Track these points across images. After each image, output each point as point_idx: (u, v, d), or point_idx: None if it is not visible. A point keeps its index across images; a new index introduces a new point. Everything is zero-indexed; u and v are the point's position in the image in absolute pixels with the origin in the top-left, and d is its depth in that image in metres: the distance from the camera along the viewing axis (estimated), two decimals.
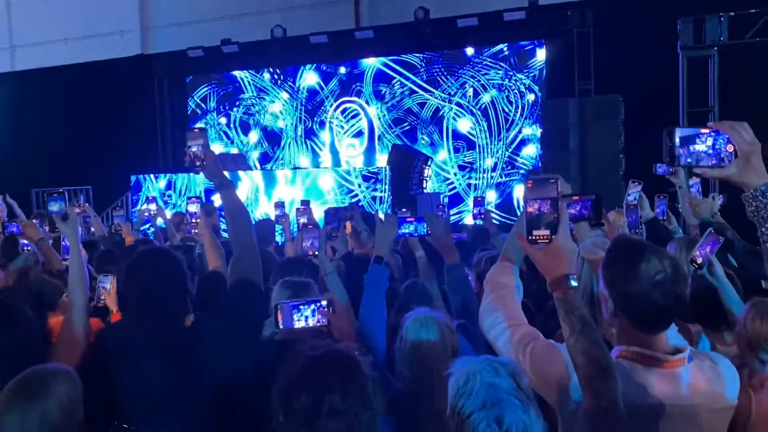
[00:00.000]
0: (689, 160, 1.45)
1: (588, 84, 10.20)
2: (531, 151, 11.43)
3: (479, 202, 5.55)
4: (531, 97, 11.47)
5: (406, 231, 2.98)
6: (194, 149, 2.34)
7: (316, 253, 2.88)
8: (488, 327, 1.94)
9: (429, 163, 11.45)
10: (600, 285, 1.81)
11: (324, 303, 2.12)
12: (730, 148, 1.46)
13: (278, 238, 6.01)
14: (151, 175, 11.72)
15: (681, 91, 8.87)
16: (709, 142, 1.45)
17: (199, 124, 13.96)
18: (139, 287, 2.11)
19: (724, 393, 1.75)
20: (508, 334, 1.87)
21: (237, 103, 13.96)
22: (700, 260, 2.75)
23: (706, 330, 2.80)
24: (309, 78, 13.28)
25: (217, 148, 13.60)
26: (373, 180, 10.35)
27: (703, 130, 1.46)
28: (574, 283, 1.60)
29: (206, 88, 14.24)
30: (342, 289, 2.84)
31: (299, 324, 2.11)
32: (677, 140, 1.44)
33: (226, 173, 2.43)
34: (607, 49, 9.99)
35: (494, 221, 6.06)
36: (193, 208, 4.02)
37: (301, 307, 2.11)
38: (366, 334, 2.26)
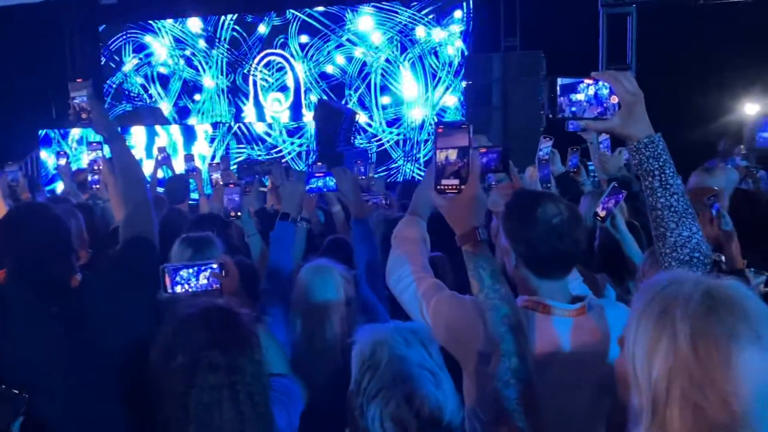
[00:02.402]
0: (573, 109, 1.41)
1: (513, 41, 10.22)
2: (457, 108, 11.46)
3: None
4: (458, 53, 11.44)
5: (315, 186, 2.91)
6: (78, 101, 2.17)
7: (239, 213, 2.77)
8: (394, 282, 1.92)
9: (357, 118, 11.31)
10: (501, 238, 1.80)
11: (215, 266, 2.02)
12: (614, 99, 1.42)
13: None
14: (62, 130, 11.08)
15: (600, 48, 9.04)
16: (591, 91, 1.41)
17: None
18: (14, 247, 1.96)
19: None
20: (413, 288, 1.85)
21: (154, 54, 13.28)
22: (603, 213, 2.81)
23: (612, 279, 2.89)
24: (232, 29, 12.76)
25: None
26: (298, 135, 10.15)
27: (586, 80, 1.41)
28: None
29: (121, 39, 13.47)
30: (263, 250, 2.76)
31: (187, 288, 2.01)
32: (558, 90, 1.39)
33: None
34: (532, 6, 10.03)
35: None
36: (94, 155, 3.75)
37: (190, 270, 2.01)
38: (271, 288, 2.21)
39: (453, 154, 1.48)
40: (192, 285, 2.00)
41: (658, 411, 0.99)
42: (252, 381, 1.41)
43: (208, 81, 12.96)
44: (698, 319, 0.97)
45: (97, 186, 3.98)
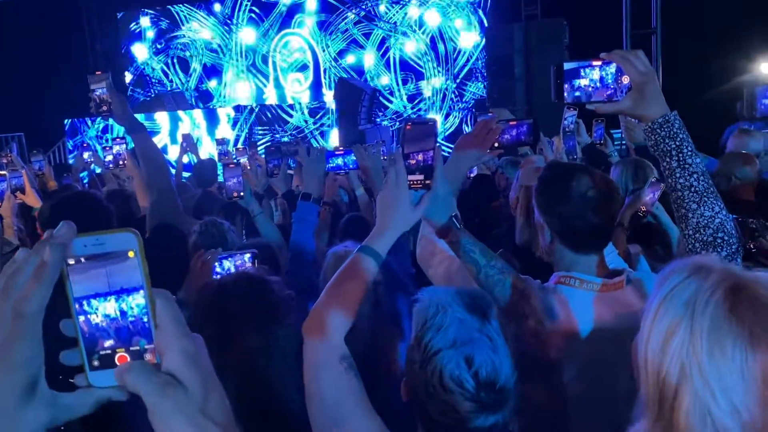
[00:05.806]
0: (577, 94, 1.38)
1: (534, 9, 10.03)
2: (478, 80, 11.31)
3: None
4: (477, 24, 11.25)
5: (334, 165, 2.87)
6: (98, 93, 2.18)
7: (241, 194, 2.75)
8: (425, 263, 1.92)
9: (377, 95, 11.23)
10: (536, 214, 1.77)
11: (248, 256, 2.05)
12: (625, 79, 1.37)
13: None
14: (87, 119, 11.19)
15: (624, 12, 8.82)
16: (596, 75, 1.37)
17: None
18: None
19: None
20: (443, 269, 1.86)
21: (173, 39, 13.29)
22: (644, 209, 2.70)
23: (645, 250, 2.83)
24: (249, 10, 12.70)
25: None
26: (319, 115, 10.12)
27: (594, 62, 1.37)
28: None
29: (139, 24, 13.50)
30: (273, 229, 2.76)
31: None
32: (565, 75, 1.36)
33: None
34: None
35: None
36: (118, 148, 3.82)
37: (231, 260, 2.03)
38: (294, 269, 2.23)
39: (420, 151, 1.54)
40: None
41: (664, 408, 0.92)
42: (285, 344, 1.47)
43: (227, 64, 12.95)
44: (718, 317, 0.89)
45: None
